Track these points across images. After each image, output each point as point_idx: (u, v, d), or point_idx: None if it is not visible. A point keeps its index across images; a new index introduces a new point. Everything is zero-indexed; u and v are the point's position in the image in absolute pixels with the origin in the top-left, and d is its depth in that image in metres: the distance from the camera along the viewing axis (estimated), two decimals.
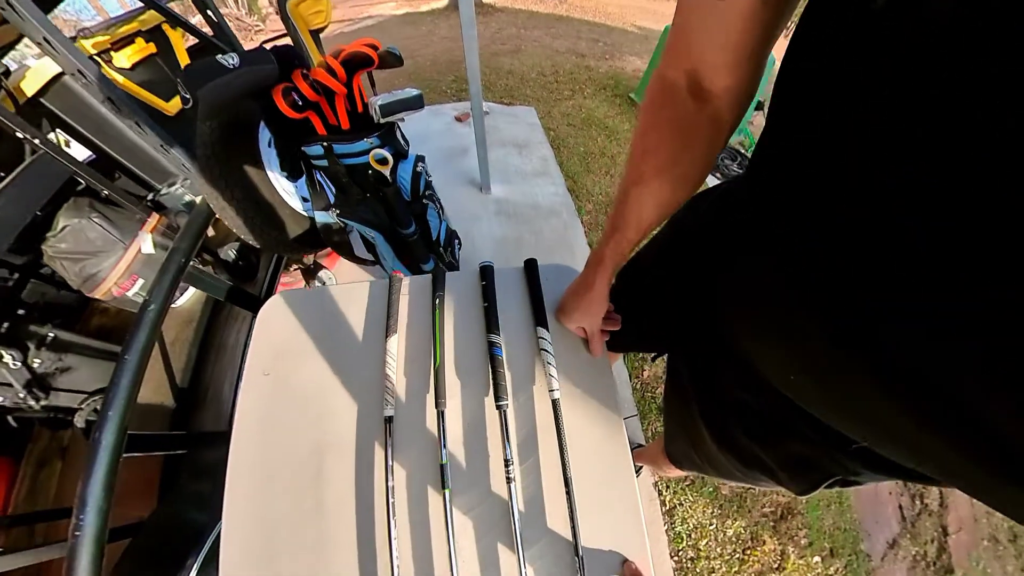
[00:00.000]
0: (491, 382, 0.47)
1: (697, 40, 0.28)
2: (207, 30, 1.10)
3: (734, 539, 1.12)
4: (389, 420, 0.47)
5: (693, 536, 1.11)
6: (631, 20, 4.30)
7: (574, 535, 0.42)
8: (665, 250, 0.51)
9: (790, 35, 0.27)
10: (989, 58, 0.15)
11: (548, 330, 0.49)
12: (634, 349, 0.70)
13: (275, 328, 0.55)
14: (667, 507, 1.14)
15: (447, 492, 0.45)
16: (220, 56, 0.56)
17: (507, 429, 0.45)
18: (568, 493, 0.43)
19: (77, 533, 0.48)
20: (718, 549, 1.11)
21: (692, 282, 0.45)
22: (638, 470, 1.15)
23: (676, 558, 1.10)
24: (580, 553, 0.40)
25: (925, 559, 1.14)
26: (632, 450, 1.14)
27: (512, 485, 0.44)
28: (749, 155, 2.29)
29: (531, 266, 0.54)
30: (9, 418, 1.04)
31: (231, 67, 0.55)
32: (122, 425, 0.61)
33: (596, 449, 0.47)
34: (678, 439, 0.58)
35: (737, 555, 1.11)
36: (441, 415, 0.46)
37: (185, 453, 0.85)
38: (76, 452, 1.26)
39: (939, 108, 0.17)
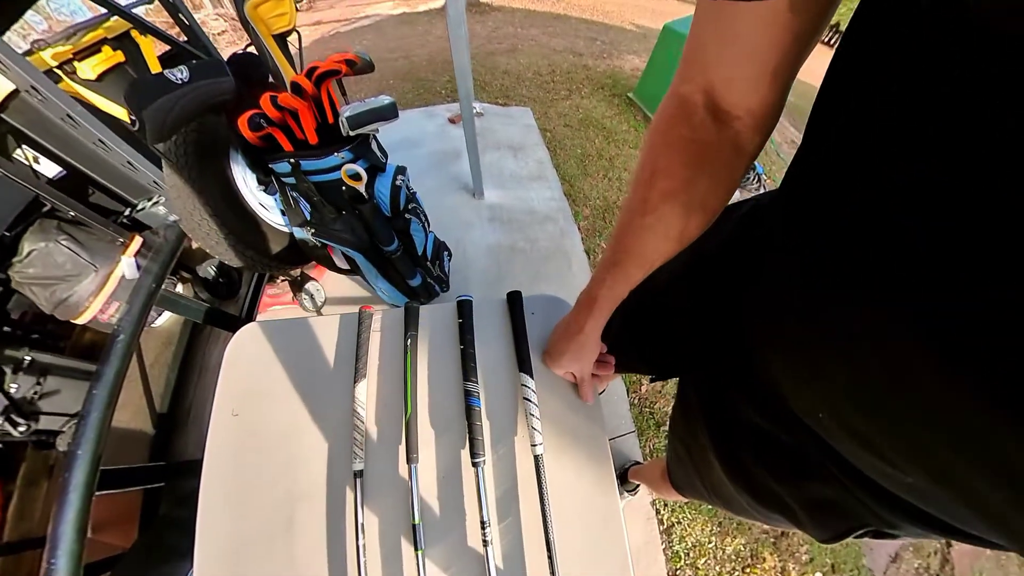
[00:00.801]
0: (467, 436, 0.42)
1: (716, 53, 0.24)
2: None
3: (733, 557, 1.08)
4: (359, 474, 0.42)
5: (691, 555, 1.08)
6: (629, 18, 4.19)
7: None
8: (681, 277, 0.45)
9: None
10: (995, 58, 0.15)
11: (532, 376, 0.43)
12: (633, 371, 0.65)
13: (244, 364, 0.50)
14: (665, 525, 1.10)
15: (420, 553, 0.40)
16: (168, 71, 0.50)
17: (483, 488, 0.40)
18: (550, 558, 0.38)
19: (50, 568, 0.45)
20: (717, 568, 1.07)
21: (712, 306, 0.41)
22: (635, 488, 1.10)
23: (667, 550, 1.07)
24: None
25: (928, 572, 1.11)
26: (629, 468, 1.11)
27: (489, 548, 0.39)
28: (759, 169, 2.23)
29: (515, 300, 0.48)
30: None
31: (179, 82, 0.49)
32: (94, 462, 0.57)
33: (583, 509, 0.41)
34: (685, 466, 0.54)
35: (736, 574, 1.07)
36: (413, 470, 0.41)
37: (164, 484, 0.81)
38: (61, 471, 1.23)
39: (949, 106, 0.16)
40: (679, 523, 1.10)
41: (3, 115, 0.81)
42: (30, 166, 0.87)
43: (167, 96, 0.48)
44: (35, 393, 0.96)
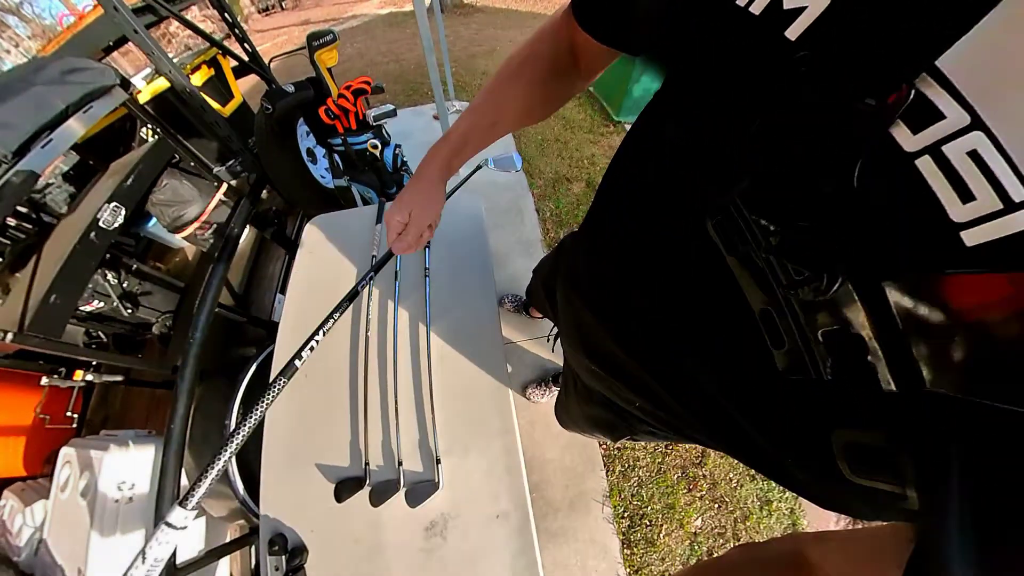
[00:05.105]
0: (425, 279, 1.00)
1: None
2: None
3: None
4: (369, 293, 0.99)
5: None
6: None
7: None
8: (547, 276, 0.82)
9: None
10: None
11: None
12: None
13: (316, 236, 1.08)
14: None
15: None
16: (284, 85, 1.12)
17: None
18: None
19: (191, 340, 0.96)
20: (642, 442, 1.22)
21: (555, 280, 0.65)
22: None
23: (604, 447, 1.29)
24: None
25: None
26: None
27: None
28: None
29: None
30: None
31: (290, 92, 1.11)
32: (218, 287, 1.12)
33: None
34: (561, 400, 0.84)
35: (660, 449, 1.29)
36: (397, 287, 1.00)
37: (242, 323, 1.38)
38: (139, 371, 1.77)
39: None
40: None
41: (146, 106, 1.40)
42: (165, 139, 1.44)
43: (285, 96, 1.08)
44: (138, 290, 1.51)
